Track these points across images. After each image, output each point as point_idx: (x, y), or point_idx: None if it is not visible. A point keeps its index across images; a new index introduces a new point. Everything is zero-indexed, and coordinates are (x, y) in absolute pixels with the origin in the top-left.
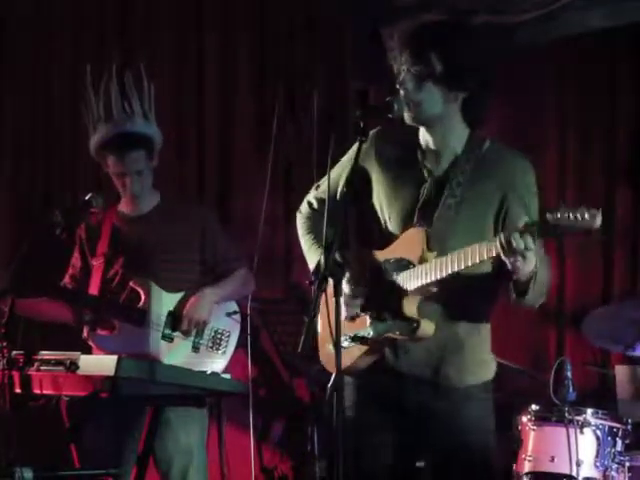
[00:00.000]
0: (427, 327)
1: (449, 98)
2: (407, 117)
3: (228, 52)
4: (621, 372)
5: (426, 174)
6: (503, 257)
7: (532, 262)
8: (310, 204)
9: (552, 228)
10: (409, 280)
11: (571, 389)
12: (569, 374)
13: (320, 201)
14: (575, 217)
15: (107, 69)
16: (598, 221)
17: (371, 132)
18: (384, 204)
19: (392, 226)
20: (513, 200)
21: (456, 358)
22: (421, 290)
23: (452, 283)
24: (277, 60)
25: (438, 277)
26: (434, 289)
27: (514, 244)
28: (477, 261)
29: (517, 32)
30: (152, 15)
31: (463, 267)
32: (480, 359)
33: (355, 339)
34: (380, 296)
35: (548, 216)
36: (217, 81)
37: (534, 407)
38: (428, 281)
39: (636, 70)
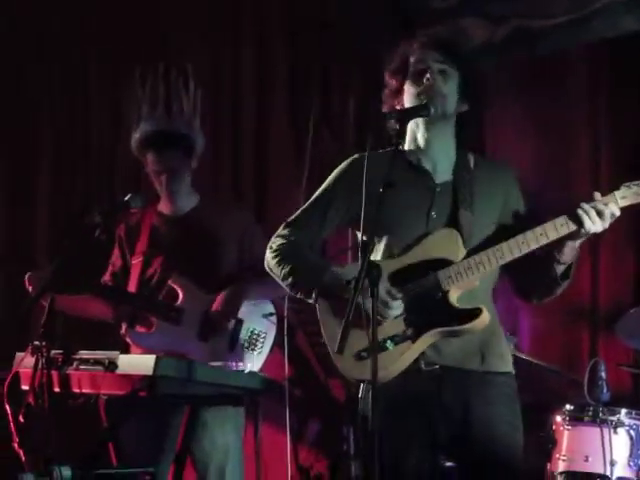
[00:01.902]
0: (485, 315)
1: (458, 107)
2: (434, 109)
3: (265, 58)
4: None
5: (430, 182)
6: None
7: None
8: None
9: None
10: (458, 275)
11: (605, 389)
12: (603, 374)
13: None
14: None
15: (153, 70)
16: None
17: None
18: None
19: (403, 233)
20: (512, 201)
21: (493, 343)
22: (466, 284)
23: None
24: (313, 67)
25: (505, 260)
26: (477, 282)
27: (606, 211)
28: (549, 240)
29: (548, 36)
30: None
31: (536, 246)
32: (505, 344)
33: (401, 338)
34: (419, 296)
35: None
36: (254, 87)
37: (568, 407)
38: (487, 269)
39: None
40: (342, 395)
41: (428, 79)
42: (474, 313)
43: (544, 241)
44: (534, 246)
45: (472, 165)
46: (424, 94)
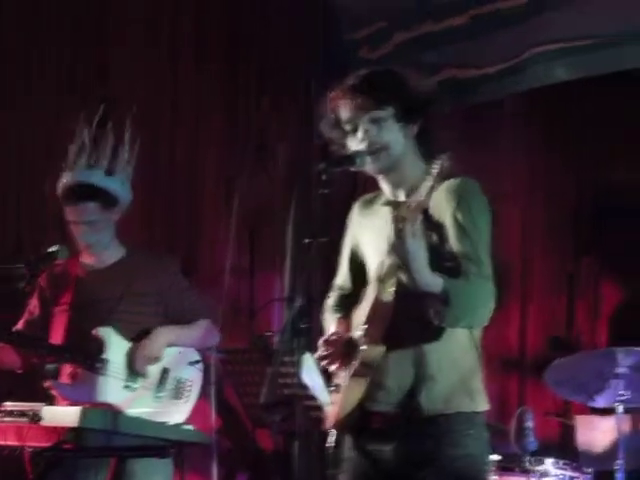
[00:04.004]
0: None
1: (407, 133)
2: (371, 168)
3: (199, 104)
4: (582, 422)
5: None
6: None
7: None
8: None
9: None
10: None
11: (532, 438)
12: (530, 423)
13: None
14: None
15: (88, 118)
16: None
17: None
18: (370, 263)
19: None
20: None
21: None
22: None
23: None
24: (246, 112)
25: None
26: None
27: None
28: None
29: (481, 85)
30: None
31: None
32: None
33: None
34: None
35: None
36: (188, 132)
37: (496, 457)
38: None
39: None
40: (270, 446)
41: (363, 133)
42: None
43: None
44: None
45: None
46: (364, 152)
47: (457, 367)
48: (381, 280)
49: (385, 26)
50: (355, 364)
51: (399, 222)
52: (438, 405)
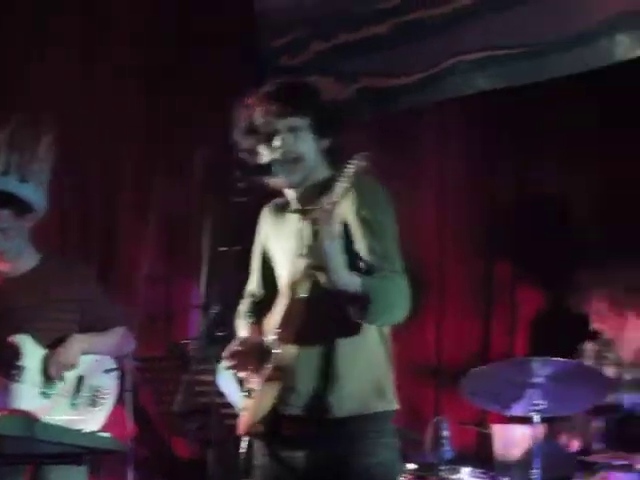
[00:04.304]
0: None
1: (320, 146)
2: (283, 181)
3: (118, 104)
4: (498, 431)
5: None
6: None
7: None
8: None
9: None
10: None
11: (448, 447)
12: (446, 433)
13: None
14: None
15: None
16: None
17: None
18: (279, 269)
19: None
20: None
21: None
22: None
23: None
24: (168, 113)
25: None
26: None
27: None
28: None
29: (401, 94)
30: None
31: None
32: None
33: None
34: None
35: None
36: (102, 142)
37: (411, 466)
38: None
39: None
40: (186, 454)
41: (280, 141)
42: None
43: None
44: None
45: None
46: (279, 160)
47: (367, 367)
48: (294, 283)
49: (304, 34)
50: (268, 368)
51: (315, 224)
52: (348, 405)
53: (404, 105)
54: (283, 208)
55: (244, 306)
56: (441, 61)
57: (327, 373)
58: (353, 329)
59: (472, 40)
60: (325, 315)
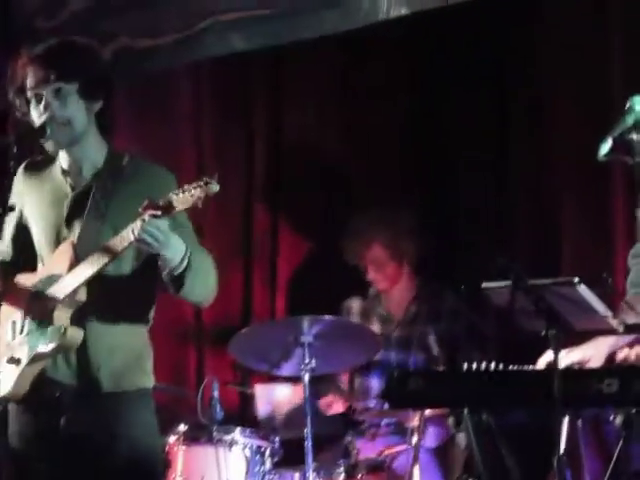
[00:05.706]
0: (75, 333)
1: (89, 110)
2: (52, 144)
3: None
4: (260, 391)
5: (69, 190)
6: (137, 244)
7: (171, 247)
8: None
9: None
10: (59, 291)
11: (218, 408)
12: (216, 394)
13: None
14: (196, 187)
15: None
16: (215, 186)
17: (20, 167)
18: (35, 229)
19: (44, 248)
20: None
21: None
22: (71, 300)
23: (101, 288)
24: None
25: (81, 280)
26: (83, 298)
27: (146, 226)
28: (113, 255)
29: (157, 54)
30: None
31: (101, 266)
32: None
33: (11, 361)
34: (36, 315)
35: (171, 195)
36: None
37: (182, 427)
38: (74, 286)
39: (271, 92)
40: None
41: (44, 106)
42: (59, 331)
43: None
44: (108, 260)
45: (123, 166)
46: (47, 124)
47: (132, 346)
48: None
49: None
50: (48, 345)
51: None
52: (114, 382)
53: (160, 65)
54: (41, 166)
55: None
56: (197, 21)
57: (99, 349)
58: (127, 310)
59: (228, 1)
60: (114, 295)
